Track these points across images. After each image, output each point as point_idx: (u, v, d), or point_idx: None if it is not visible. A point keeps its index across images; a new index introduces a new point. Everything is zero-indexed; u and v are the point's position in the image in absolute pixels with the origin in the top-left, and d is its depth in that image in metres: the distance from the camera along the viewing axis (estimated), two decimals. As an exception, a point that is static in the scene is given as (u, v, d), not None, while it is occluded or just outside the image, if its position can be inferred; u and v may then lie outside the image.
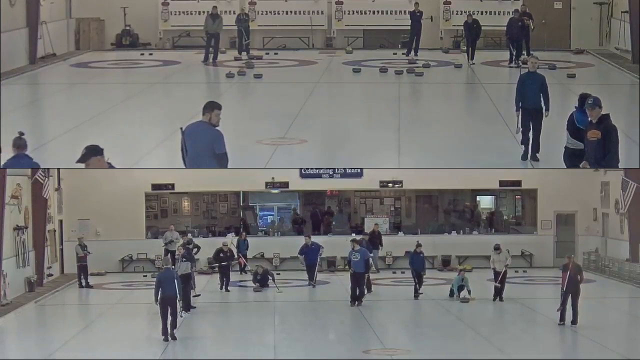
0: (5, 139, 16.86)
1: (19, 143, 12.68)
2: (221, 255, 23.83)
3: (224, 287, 23.43)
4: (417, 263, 22.15)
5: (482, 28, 28.81)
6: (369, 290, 22.42)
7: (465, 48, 28.92)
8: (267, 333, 17.64)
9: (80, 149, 17.26)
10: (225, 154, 10.79)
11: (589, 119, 12.25)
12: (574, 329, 17.41)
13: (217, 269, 24.20)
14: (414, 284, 21.99)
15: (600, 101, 12.17)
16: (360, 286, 20.73)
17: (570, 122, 13.64)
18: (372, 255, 26.08)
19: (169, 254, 26.35)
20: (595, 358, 15.25)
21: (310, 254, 24.23)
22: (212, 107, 10.92)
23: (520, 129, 15.90)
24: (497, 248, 21.72)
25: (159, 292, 16.62)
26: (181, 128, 10.90)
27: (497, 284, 21.18)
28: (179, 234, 26.78)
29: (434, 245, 28.06)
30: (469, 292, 21.16)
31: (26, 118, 19.55)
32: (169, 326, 16.57)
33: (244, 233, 27.26)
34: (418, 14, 29.77)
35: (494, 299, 21.08)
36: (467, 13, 29.52)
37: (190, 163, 10.92)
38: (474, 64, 28.00)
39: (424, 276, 22.38)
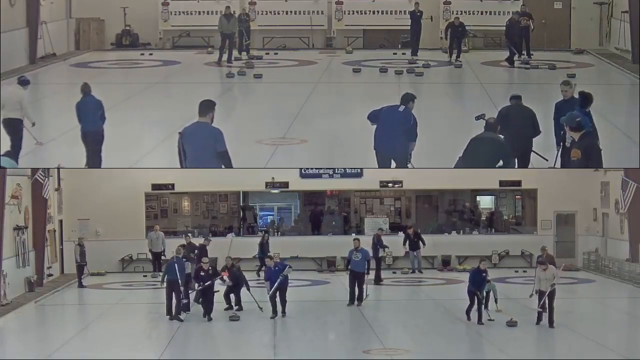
0: (5, 139, 16.92)
1: (85, 89, 16.36)
2: (202, 274, 19.14)
3: (207, 315, 18.86)
4: (479, 282, 18.45)
5: (483, 28, 28.83)
6: (379, 282, 24.08)
7: (448, 48, 28.76)
8: (267, 333, 17.64)
9: (80, 149, 17.36)
10: (226, 152, 10.76)
11: (572, 137, 11.12)
12: (574, 329, 17.42)
13: (197, 292, 19.41)
14: (476, 305, 18.26)
15: (581, 123, 10.90)
16: (360, 286, 20.72)
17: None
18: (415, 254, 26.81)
19: (157, 256, 26.47)
20: (596, 358, 15.25)
21: (274, 277, 19.18)
22: (212, 106, 10.89)
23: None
24: (542, 263, 18.08)
25: (165, 276, 19.08)
26: (179, 132, 10.86)
27: (539, 309, 17.81)
28: (164, 235, 26.86)
29: (434, 245, 28.11)
30: (496, 300, 18.63)
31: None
32: (173, 308, 18.64)
33: (267, 235, 26.49)
34: (418, 13, 29.77)
35: (537, 323, 17.78)
36: (455, 16, 29.45)
37: (192, 164, 10.88)
38: (460, 62, 28.00)
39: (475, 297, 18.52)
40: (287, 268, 19.31)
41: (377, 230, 26.35)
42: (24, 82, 17.49)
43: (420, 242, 26.85)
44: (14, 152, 16.04)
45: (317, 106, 22.14)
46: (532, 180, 28.67)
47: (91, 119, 16.02)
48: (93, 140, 15.92)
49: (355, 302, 20.63)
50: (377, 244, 24.91)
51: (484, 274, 18.44)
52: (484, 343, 16.83)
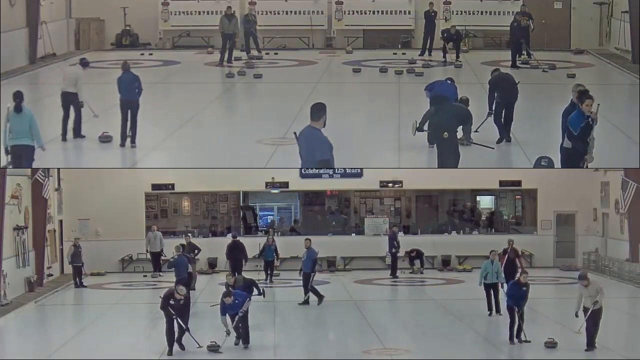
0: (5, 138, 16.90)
1: (125, 66, 18.98)
2: (172, 302, 15.69)
3: (170, 347, 15.70)
4: (518, 298, 16.27)
5: (483, 28, 28.74)
6: (395, 274, 25.54)
7: (442, 48, 28.65)
8: (267, 333, 17.63)
9: (80, 149, 17.37)
10: (327, 160, 10.69)
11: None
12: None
13: (165, 320, 15.86)
14: (512, 324, 16.24)
15: (552, 163, 10.12)
16: (305, 286, 20.87)
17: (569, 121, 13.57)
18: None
19: (155, 256, 26.49)
20: (595, 358, 15.24)
21: (236, 309, 16.11)
22: (323, 109, 10.71)
23: None
24: (582, 278, 15.69)
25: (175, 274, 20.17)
26: (295, 133, 10.85)
27: (578, 331, 15.84)
28: (162, 235, 26.91)
29: (433, 245, 28.11)
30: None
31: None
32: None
33: (272, 237, 25.45)
34: (432, 13, 29.74)
35: (588, 349, 15.43)
36: (452, 25, 29.33)
37: (304, 165, 11.03)
38: (460, 62, 27.96)
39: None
40: (247, 302, 16.11)
41: (392, 228, 26.86)
42: (84, 64, 19.59)
43: (422, 258, 27.40)
44: (63, 126, 18.39)
45: (317, 106, 22.08)
46: (532, 180, 28.68)
47: (129, 90, 18.62)
48: (130, 108, 18.31)
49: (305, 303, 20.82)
50: (393, 239, 25.83)
51: (524, 288, 16.31)
52: (483, 343, 16.81)
